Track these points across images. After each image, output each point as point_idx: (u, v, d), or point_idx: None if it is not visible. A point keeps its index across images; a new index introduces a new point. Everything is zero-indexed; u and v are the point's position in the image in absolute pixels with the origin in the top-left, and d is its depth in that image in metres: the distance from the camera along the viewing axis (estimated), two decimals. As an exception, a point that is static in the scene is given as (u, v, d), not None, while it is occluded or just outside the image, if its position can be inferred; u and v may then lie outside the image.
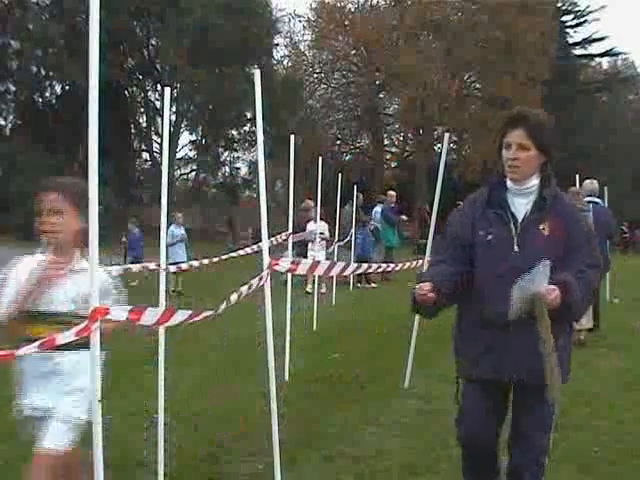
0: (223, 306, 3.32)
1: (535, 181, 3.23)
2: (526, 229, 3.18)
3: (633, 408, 6.10)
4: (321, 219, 14.30)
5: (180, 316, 2.94)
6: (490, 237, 3.19)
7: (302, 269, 4.86)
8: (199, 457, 4.78)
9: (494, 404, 3.36)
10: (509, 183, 3.25)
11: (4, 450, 4.74)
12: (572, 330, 3.44)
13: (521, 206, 3.22)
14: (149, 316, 2.75)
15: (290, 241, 8.59)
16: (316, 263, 5.47)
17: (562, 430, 5.34)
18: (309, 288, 13.79)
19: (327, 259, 13.51)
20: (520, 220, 3.21)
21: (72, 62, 26.26)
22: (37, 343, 2.53)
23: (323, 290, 13.50)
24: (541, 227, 3.16)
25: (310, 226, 14.38)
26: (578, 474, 4.56)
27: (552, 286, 3.00)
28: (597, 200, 9.60)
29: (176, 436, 4.95)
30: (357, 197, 15.82)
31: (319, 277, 13.50)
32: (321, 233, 14.09)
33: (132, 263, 13.59)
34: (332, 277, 12.31)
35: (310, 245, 14.22)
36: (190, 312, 2.99)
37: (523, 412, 3.34)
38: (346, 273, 6.04)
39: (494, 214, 3.23)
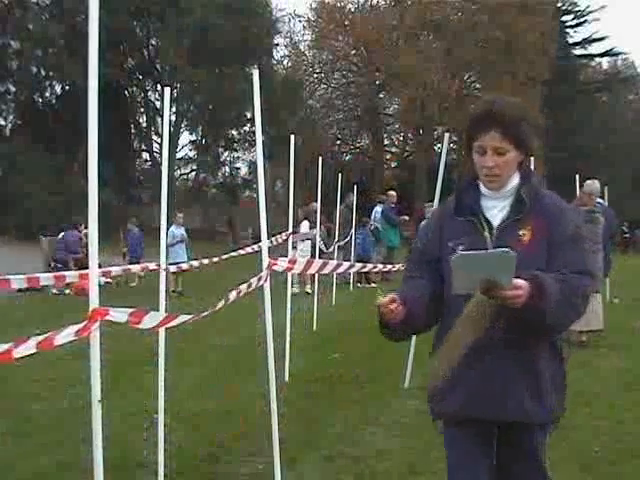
0: (220, 304, 3.33)
1: (514, 182, 2.71)
2: (503, 237, 2.62)
3: (633, 408, 6.10)
4: (305, 220, 14.59)
5: (181, 319, 2.94)
6: (461, 248, 2.63)
7: (298, 268, 5.02)
8: (199, 457, 4.78)
9: (482, 452, 2.73)
10: (483, 187, 2.73)
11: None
12: (561, 357, 2.72)
13: (497, 210, 2.70)
14: (149, 320, 2.75)
15: (290, 241, 8.59)
16: (310, 262, 5.52)
17: (562, 430, 5.34)
18: (308, 288, 13.84)
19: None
20: (496, 227, 2.67)
21: (72, 62, 26.25)
22: (34, 343, 2.52)
23: (308, 289, 13.78)
24: (521, 233, 2.62)
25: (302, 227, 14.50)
26: (578, 474, 4.56)
27: (520, 280, 2.41)
28: (600, 200, 9.61)
29: (176, 436, 4.95)
30: (348, 196, 15.87)
31: (309, 276, 13.62)
32: (305, 233, 14.17)
33: (131, 263, 13.61)
34: (328, 276, 12.33)
35: (298, 244, 14.31)
36: (190, 316, 2.99)
37: (512, 459, 2.75)
38: (339, 271, 6.07)
39: (465, 221, 2.70)
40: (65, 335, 2.57)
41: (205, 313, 3.10)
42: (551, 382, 2.64)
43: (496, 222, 2.68)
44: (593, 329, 8.86)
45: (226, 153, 39.07)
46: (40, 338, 2.50)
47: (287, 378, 6.92)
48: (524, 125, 2.66)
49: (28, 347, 2.51)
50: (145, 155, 38.91)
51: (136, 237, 16.89)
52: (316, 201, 12.15)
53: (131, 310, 2.73)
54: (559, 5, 42.75)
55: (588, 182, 9.14)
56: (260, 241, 4.43)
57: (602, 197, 13.30)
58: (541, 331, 2.56)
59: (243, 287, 3.75)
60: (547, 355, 2.64)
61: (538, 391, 2.60)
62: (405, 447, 5.02)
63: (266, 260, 4.25)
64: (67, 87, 31.81)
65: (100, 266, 3.51)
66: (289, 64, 41.83)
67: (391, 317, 2.54)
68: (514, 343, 2.55)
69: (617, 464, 4.74)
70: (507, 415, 2.61)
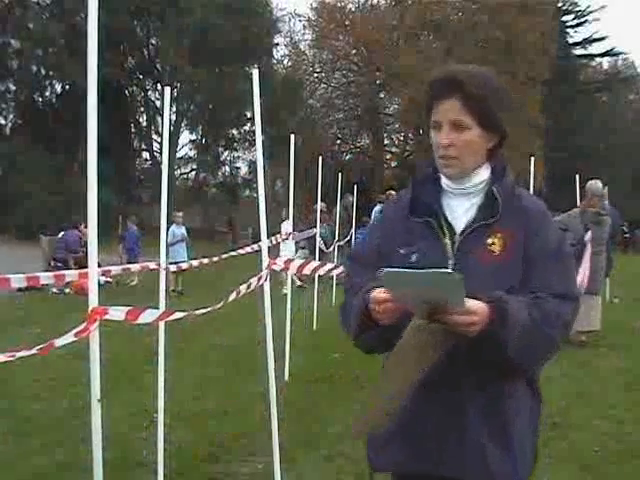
0: (219, 304, 3.33)
1: (483, 175, 2.12)
2: (467, 245, 2.05)
3: (633, 408, 6.09)
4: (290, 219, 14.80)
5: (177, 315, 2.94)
6: (414, 257, 2.07)
7: (293, 268, 5.16)
8: (199, 457, 4.78)
9: None
10: (445, 180, 2.15)
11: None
12: (538, 399, 2.14)
13: (462, 211, 2.11)
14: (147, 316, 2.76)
15: (291, 240, 8.59)
16: (306, 262, 5.62)
17: (562, 430, 5.35)
18: (299, 283, 14.23)
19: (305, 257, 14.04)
20: (459, 232, 2.08)
21: (72, 61, 26.24)
22: (36, 348, 2.52)
23: (298, 283, 14.19)
24: (489, 242, 2.04)
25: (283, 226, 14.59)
26: (578, 474, 4.56)
27: (476, 303, 1.86)
28: (605, 202, 9.61)
29: (176, 436, 4.95)
30: (346, 197, 15.90)
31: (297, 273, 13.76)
32: (306, 232, 14.24)
33: (128, 262, 13.61)
34: (327, 277, 12.42)
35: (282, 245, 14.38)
36: (185, 313, 3.00)
37: None
38: (335, 273, 6.09)
39: (422, 223, 2.11)
40: (65, 337, 2.57)
41: (201, 311, 3.10)
42: (523, 432, 2.05)
43: (460, 226, 2.09)
44: (592, 329, 8.87)
45: (226, 153, 39.11)
46: (41, 345, 2.50)
47: (287, 378, 6.92)
48: (494, 98, 2.06)
49: (29, 350, 2.51)
50: (145, 154, 38.97)
51: (134, 236, 16.87)
52: (316, 201, 12.15)
53: (128, 308, 2.73)
54: (559, 5, 42.78)
55: (592, 182, 9.10)
56: (260, 241, 4.43)
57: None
58: (505, 367, 1.97)
59: (243, 287, 3.75)
60: (520, 395, 2.07)
61: (505, 443, 2.01)
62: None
63: (266, 260, 4.25)
64: (67, 86, 31.81)
65: (100, 265, 3.51)
66: (289, 64, 41.85)
67: (384, 316, 1.96)
68: (474, 380, 2.00)
69: (617, 464, 4.75)
70: (464, 473, 2.01)
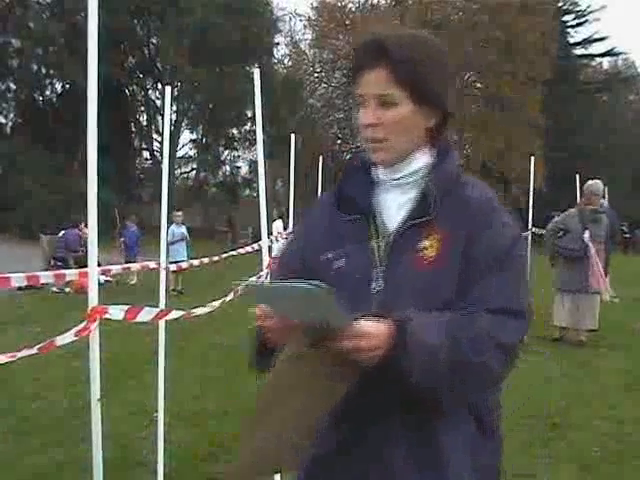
0: (217, 303, 3.33)
1: (421, 161, 1.71)
2: (398, 249, 1.66)
3: (633, 408, 6.09)
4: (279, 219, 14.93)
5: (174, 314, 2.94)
6: (340, 263, 1.71)
7: None
8: (199, 456, 4.78)
9: None
10: (378, 170, 1.76)
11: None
12: (492, 435, 1.71)
13: (397, 208, 1.72)
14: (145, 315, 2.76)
15: (282, 240, 8.59)
16: None
17: (562, 430, 5.35)
18: None
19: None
20: (393, 232, 1.68)
21: (72, 61, 26.27)
22: (37, 347, 2.53)
23: None
24: (422, 245, 1.64)
25: (274, 225, 14.62)
26: (578, 474, 4.56)
27: (371, 324, 1.48)
28: (603, 201, 9.62)
29: (176, 435, 4.95)
30: None
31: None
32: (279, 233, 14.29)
33: (127, 262, 13.60)
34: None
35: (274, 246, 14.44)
36: (183, 312, 3.00)
37: None
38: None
39: (351, 222, 1.73)
40: (65, 336, 2.57)
41: (199, 310, 3.10)
42: (463, 475, 1.64)
43: (393, 225, 1.69)
44: (592, 329, 8.89)
45: (226, 152, 39.15)
46: (42, 344, 2.50)
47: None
48: (430, 65, 1.65)
49: (30, 350, 2.52)
50: (145, 154, 39.03)
51: (134, 235, 16.86)
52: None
53: (127, 307, 2.74)
54: (560, 5, 42.79)
55: (591, 182, 9.14)
56: (260, 240, 4.43)
57: (604, 197, 13.32)
58: (423, 400, 1.55)
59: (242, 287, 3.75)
60: (457, 433, 1.63)
61: None
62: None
63: (266, 259, 4.25)
64: (67, 86, 31.84)
65: (100, 264, 3.51)
66: (289, 63, 41.89)
67: (274, 337, 1.61)
68: (395, 415, 1.60)
69: (617, 464, 4.74)
70: None
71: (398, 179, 1.72)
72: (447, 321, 1.55)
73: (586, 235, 8.66)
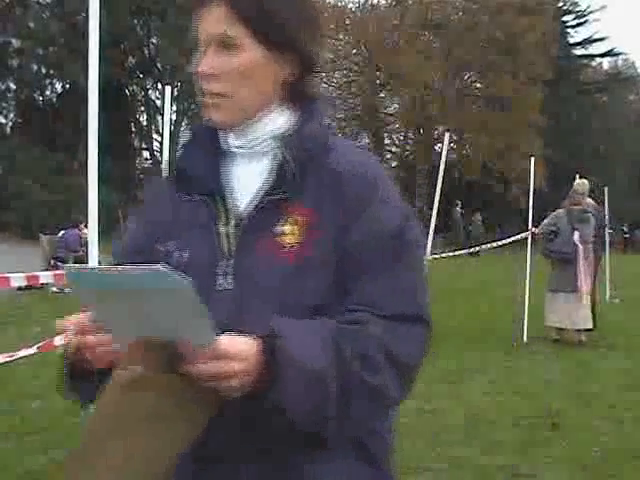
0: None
1: (277, 122, 1.34)
2: (249, 236, 1.29)
3: (633, 408, 6.09)
4: None
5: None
6: (181, 255, 1.33)
7: None
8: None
9: None
10: (224, 136, 1.38)
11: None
12: (378, 467, 1.47)
13: (250, 183, 1.33)
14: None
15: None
16: None
17: (562, 430, 5.35)
18: None
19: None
20: (245, 214, 1.31)
21: (73, 61, 26.26)
22: (36, 347, 2.53)
23: None
24: (279, 230, 1.27)
25: None
26: (578, 474, 4.56)
27: (239, 340, 1.12)
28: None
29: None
30: None
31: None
32: None
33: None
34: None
35: None
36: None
37: None
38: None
39: (194, 204, 1.35)
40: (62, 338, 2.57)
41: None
42: None
43: (244, 206, 1.32)
44: (587, 328, 8.89)
45: (226, 152, 39.14)
46: (41, 344, 2.51)
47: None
48: (283, 1, 1.32)
49: (29, 350, 2.52)
50: (145, 154, 39.00)
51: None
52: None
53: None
54: (560, 5, 42.79)
55: (579, 182, 9.19)
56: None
57: (602, 197, 13.37)
58: (300, 436, 1.20)
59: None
60: (337, 467, 1.29)
61: None
62: (405, 447, 5.01)
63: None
64: (68, 85, 31.82)
65: (100, 264, 3.52)
66: (289, 63, 41.90)
67: (94, 358, 1.20)
68: (253, 450, 1.25)
69: (617, 464, 4.74)
70: None
71: (250, 146, 1.34)
72: (331, 335, 1.18)
73: (576, 236, 8.70)
